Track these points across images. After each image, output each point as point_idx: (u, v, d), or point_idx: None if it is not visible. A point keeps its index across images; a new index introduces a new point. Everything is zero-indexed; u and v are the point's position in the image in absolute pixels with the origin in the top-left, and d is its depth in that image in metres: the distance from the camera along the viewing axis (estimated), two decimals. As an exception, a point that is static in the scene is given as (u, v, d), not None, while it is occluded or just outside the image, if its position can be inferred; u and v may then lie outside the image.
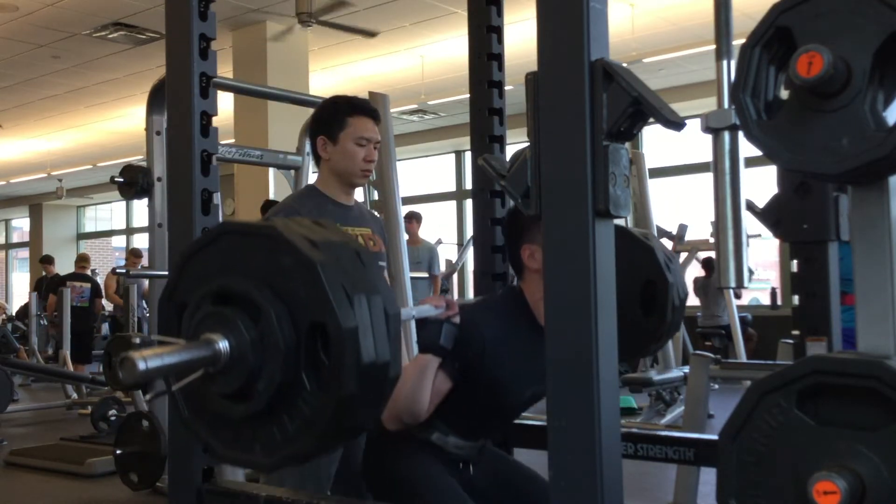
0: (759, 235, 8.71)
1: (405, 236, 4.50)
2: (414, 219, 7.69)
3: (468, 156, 3.46)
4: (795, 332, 2.59)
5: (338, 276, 1.28)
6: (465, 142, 4.93)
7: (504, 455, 2.35)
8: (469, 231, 11.80)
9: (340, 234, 1.40)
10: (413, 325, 3.75)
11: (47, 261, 12.80)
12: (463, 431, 2.11)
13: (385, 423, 2.10)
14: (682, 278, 2.48)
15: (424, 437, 2.08)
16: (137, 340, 4.97)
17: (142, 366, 1.23)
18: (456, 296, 8.94)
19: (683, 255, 8.35)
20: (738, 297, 9.14)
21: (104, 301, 10.78)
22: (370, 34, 7.91)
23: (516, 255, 2.11)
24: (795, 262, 2.60)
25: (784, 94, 1.15)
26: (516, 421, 2.37)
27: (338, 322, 1.25)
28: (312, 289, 1.27)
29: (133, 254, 10.68)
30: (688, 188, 10.59)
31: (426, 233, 8.48)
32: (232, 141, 8.14)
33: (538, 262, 2.00)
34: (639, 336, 2.35)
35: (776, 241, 4.52)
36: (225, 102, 6.86)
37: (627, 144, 1.35)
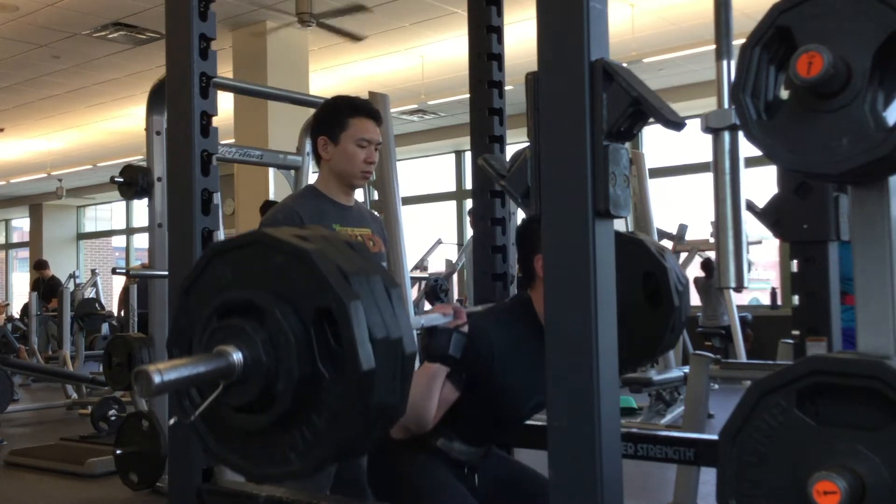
0: (760, 242, 8.73)
1: (406, 237, 4.50)
2: None
3: (468, 156, 3.46)
4: (795, 332, 2.59)
5: (332, 261, 1.28)
6: (465, 142, 4.93)
7: (506, 457, 2.35)
8: (469, 231, 11.78)
9: (327, 231, 1.41)
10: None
11: (42, 266, 12.67)
12: (468, 438, 2.12)
13: (391, 433, 2.09)
14: (677, 264, 2.48)
15: (429, 443, 2.09)
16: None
17: (157, 379, 1.19)
18: (455, 295, 8.92)
19: (683, 255, 8.35)
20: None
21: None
22: (357, 38, 7.89)
23: (529, 264, 2.13)
24: (795, 262, 2.60)
25: (784, 94, 1.15)
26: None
27: (341, 302, 1.24)
28: (310, 276, 1.27)
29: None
30: (688, 188, 10.59)
31: (429, 231, 8.47)
32: (232, 141, 8.14)
33: None
34: (653, 329, 2.35)
35: (776, 241, 4.51)
36: (225, 102, 6.86)
37: (627, 144, 1.35)
